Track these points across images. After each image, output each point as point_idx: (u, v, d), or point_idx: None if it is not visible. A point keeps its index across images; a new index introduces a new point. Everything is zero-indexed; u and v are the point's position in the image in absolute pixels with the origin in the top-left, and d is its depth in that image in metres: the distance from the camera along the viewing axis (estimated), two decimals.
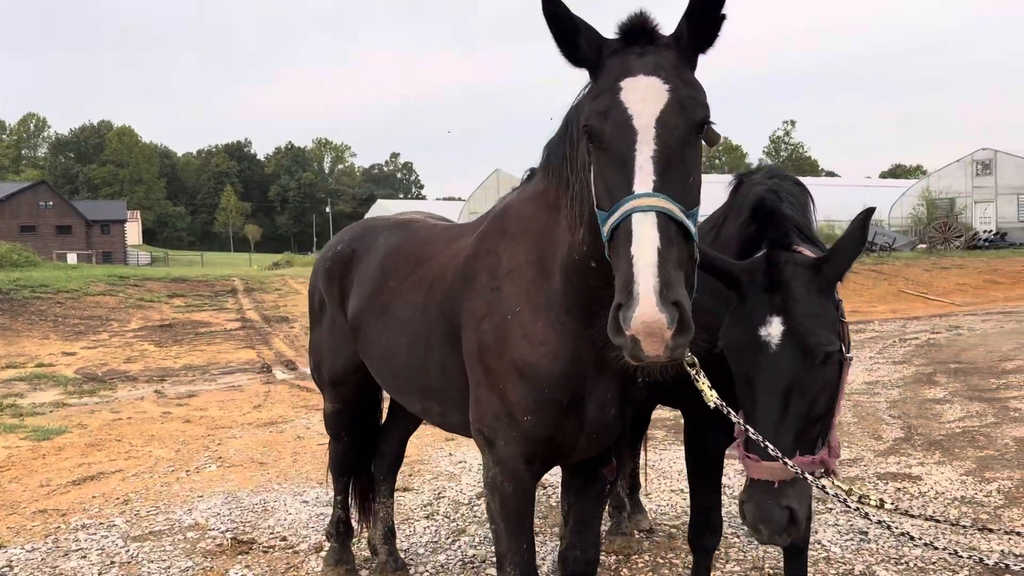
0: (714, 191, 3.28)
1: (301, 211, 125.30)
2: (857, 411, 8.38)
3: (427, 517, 5.52)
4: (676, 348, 1.99)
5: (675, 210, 2.07)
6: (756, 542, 4.82)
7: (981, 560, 2.76)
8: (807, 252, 2.72)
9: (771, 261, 2.62)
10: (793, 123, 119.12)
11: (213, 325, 16.45)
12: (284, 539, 5.13)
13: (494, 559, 4.71)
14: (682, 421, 3.60)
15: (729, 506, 5.13)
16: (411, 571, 4.56)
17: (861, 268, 24.71)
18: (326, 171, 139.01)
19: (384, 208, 66.44)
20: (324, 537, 4.78)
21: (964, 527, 2.90)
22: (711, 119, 2.21)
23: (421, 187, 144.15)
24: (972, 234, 38.19)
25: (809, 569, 4.35)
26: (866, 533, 4.88)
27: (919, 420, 7.95)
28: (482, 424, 2.87)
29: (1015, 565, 4.34)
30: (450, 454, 7.16)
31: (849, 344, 2.72)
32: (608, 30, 2.30)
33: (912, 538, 2.77)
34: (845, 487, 2.55)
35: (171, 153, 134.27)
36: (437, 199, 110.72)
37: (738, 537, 4.89)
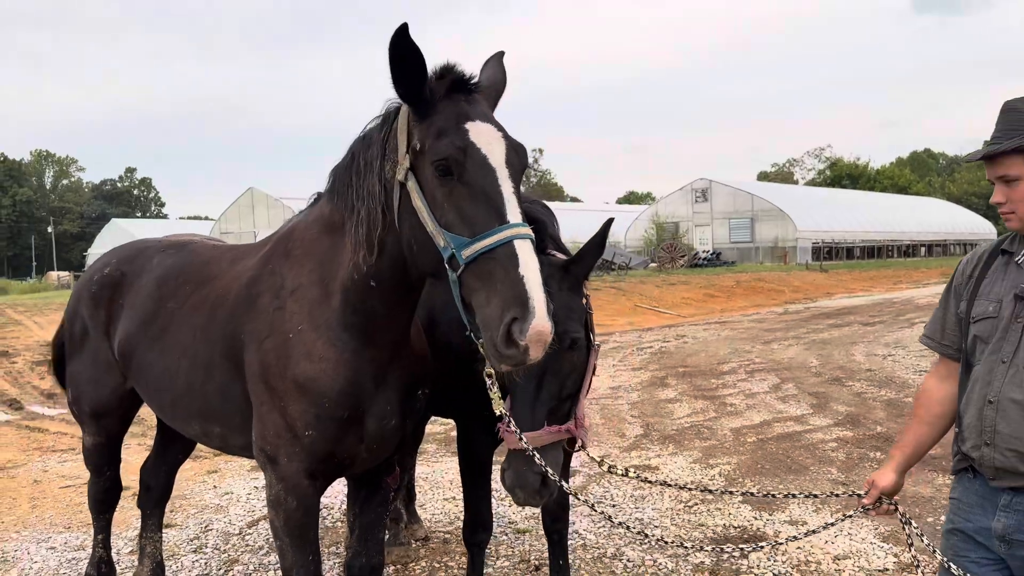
0: None
1: (17, 232, 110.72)
2: (604, 412, 9.27)
3: (195, 551, 5.32)
4: (543, 352, 2.28)
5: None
6: (519, 536, 5.26)
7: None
8: (559, 255, 3.15)
9: None
10: (541, 151, 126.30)
11: None
12: None
13: None
14: (453, 434, 3.88)
15: (496, 507, 5.51)
16: None
17: (603, 286, 26.97)
18: (47, 187, 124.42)
19: (121, 228, 60.57)
20: None
21: (708, 490, 3.39)
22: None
23: (162, 205, 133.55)
24: (693, 254, 43.18)
25: (569, 555, 4.84)
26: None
27: (655, 418, 8.97)
28: (264, 442, 2.93)
29: (732, 531, 5.14)
30: (214, 487, 6.90)
31: (595, 333, 3.18)
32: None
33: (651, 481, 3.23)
34: (599, 459, 2.98)
35: None
36: (181, 218, 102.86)
37: (506, 535, 5.28)
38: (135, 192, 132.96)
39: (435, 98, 2.47)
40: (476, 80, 2.55)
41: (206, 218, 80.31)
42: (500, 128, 2.49)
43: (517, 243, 2.31)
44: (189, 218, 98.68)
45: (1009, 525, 2.29)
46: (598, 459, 2.98)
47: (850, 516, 2.85)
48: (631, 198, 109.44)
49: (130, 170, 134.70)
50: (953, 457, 2.48)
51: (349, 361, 2.81)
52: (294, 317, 2.86)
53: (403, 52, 2.39)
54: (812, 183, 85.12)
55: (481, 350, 2.44)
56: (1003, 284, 2.37)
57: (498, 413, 2.72)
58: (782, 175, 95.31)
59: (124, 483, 4.42)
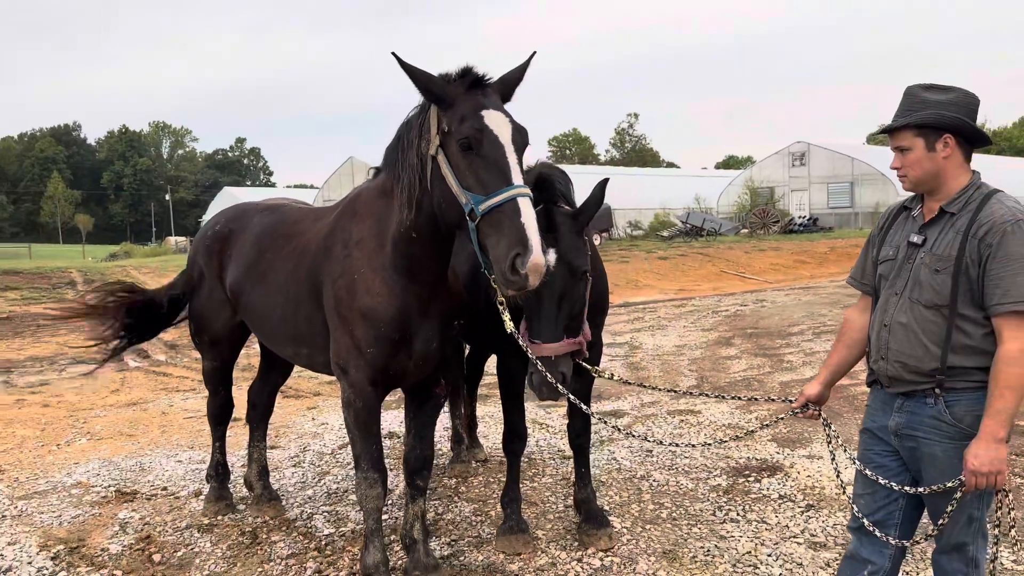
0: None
1: (138, 199, 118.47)
2: (664, 367, 9.89)
3: (294, 466, 6.35)
4: (539, 280, 3.04)
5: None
6: (564, 461, 6.03)
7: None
8: (567, 208, 3.91)
9: (547, 211, 3.76)
10: (636, 116, 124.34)
11: (55, 317, 16.11)
12: (165, 488, 5.81)
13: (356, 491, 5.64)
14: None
15: (549, 439, 6.28)
16: (283, 503, 5.40)
17: (689, 251, 27.15)
18: (164, 156, 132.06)
19: (232, 196, 64.10)
20: (205, 480, 5.52)
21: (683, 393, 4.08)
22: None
23: (270, 174, 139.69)
24: (788, 220, 42.30)
25: (604, 477, 5.60)
26: (651, 452, 6.20)
27: (711, 372, 9.54)
28: (338, 357, 3.81)
29: (753, 462, 5.76)
30: (313, 418, 7.95)
31: (591, 267, 3.91)
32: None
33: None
34: (592, 368, 3.83)
35: None
36: (288, 186, 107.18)
37: (553, 460, 6.08)
38: (245, 161, 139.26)
39: (458, 92, 3.23)
40: (489, 78, 3.29)
41: (311, 186, 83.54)
42: (508, 115, 3.24)
43: (520, 200, 3.05)
44: (295, 186, 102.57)
45: (900, 423, 2.89)
46: (592, 368, 3.73)
47: (781, 418, 3.52)
48: (730, 163, 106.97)
49: (240, 140, 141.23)
50: (867, 372, 3.08)
51: (399, 295, 3.63)
52: (358, 262, 3.70)
53: (411, 75, 3.20)
54: None
55: (492, 283, 3.20)
56: (901, 233, 2.94)
57: (508, 331, 3.47)
58: None
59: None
